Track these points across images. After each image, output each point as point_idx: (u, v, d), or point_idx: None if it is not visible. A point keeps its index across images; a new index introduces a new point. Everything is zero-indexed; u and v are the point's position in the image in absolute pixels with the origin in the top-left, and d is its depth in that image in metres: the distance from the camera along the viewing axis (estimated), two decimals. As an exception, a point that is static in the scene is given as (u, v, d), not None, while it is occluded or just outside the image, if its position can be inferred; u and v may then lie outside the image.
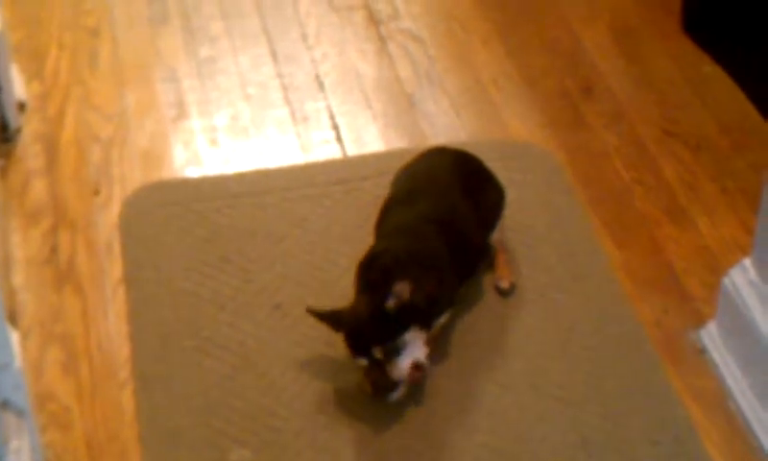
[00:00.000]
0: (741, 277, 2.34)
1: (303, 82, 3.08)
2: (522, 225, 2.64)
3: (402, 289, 2.20)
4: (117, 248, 2.60)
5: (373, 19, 3.29)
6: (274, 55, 3.16)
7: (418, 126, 2.95)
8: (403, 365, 2.23)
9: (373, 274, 2.29)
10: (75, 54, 3.15)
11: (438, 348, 2.36)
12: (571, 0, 3.34)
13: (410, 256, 2.30)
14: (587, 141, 2.91)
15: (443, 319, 2.35)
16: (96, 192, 2.76)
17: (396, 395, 2.27)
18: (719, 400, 2.34)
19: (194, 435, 2.23)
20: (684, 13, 3.23)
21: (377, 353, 2.21)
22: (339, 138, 2.91)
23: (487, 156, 2.62)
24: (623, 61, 3.14)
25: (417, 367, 2.23)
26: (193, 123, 2.96)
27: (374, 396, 2.27)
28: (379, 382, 2.25)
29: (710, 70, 3.10)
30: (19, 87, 2.97)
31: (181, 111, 2.99)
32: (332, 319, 2.29)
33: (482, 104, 3.02)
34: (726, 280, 2.38)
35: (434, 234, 2.37)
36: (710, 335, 2.42)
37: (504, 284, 2.50)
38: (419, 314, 2.24)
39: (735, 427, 2.29)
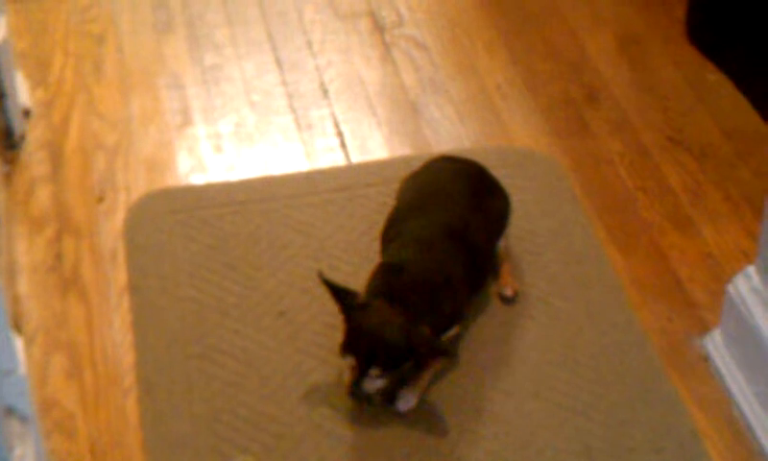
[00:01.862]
0: (745, 284, 2.34)
1: (308, 89, 3.08)
2: (526, 232, 2.64)
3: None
4: (122, 255, 2.61)
5: (378, 26, 3.29)
6: (278, 62, 3.17)
7: (422, 133, 2.95)
8: (378, 384, 2.22)
9: (400, 285, 2.27)
10: (80, 61, 3.16)
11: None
12: (576, 7, 3.35)
13: (432, 278, 2.30)
14: (591, 148, 2.91)
15: (451, 332, 2.34)
16: (101, 199, 2.76)
17: (407, 406, 2.26)
18: (723, 408, 2.34)
19: (198, 442, 2.23)
20: (689, 21, 3.23)
21: (375, 371, 2.19)
22: (343, 145, 2.91)
23: (491, 163, 2.62)
24: (627, 69, 3.15)
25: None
26: (198, 130, 2.96)
27: (349, 394, 2.24)
28: (353, 385, 2.22)
29: (715, 77, 3.10)
30: (24, 94, 2.97)
31: (186, 118, 2.99)
32: (343, 298, 2.24)
33: (486, 111, 3.02)
34: (730, 288, 2.38)
35: (450, 248, 2.35)
36: (715, 342, 2.42)
37: (508, 292, 2.50)
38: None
39: (739, 434, 2.29)
